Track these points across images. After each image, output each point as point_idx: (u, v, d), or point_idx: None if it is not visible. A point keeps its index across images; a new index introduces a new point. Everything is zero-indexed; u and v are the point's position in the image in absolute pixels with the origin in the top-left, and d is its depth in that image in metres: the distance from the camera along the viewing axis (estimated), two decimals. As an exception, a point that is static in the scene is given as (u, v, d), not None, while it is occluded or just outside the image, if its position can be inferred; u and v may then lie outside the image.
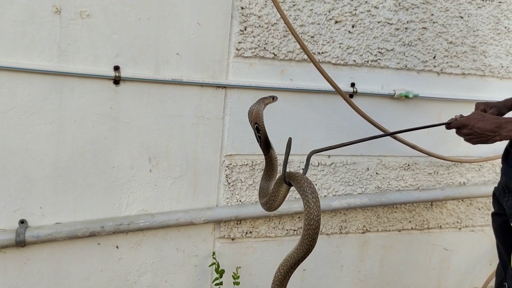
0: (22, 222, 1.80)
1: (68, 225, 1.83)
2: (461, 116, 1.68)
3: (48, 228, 1.81)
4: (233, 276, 2.08)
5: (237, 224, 2.13)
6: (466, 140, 1.65)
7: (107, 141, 1.85)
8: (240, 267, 2.14)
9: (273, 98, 1.30)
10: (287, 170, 1.28)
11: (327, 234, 2.33)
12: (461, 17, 2.26)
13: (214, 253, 2.10)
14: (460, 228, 2.62)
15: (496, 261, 2.77)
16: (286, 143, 1.19)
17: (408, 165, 2.38)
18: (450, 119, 1.71)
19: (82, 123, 1.80)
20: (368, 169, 2.31)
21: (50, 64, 1.71)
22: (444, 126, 1.71)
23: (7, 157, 1.73)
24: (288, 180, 1.15)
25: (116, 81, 1.80)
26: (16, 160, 1.75)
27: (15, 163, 1.75)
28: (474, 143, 1.64)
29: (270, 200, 1.26)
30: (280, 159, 1.30)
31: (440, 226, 2.57)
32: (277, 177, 1.30)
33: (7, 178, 1.75)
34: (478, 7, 2.28)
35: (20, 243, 1.76)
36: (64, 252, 1.89)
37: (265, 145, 1.29)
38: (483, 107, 1.74)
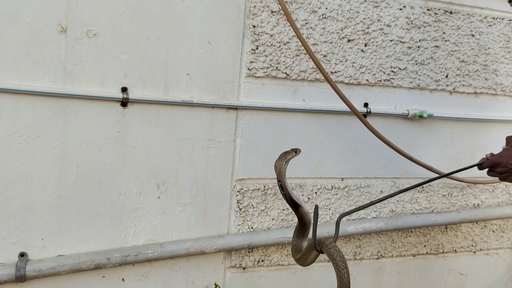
0: (22, 255, 1.67)
1: (72, 258, 1.71)
2: (492, 154, 1.61)
3: (50, 261, 1.68)
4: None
5: (248, 252, 2.02)
6: (501, 179, 1.58)
7: (114, 167, 1.75)
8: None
9: (296, 152, 1.27)
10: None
11: (341, 260, 2.22)
12: (473, 35, 2.22)
13: (216, 285, 1.96)
14: (475, 252, 2.54)
15: (511, 284, 2.70)
16: (313, 211, 1.19)
17: (423, 187, 2.30)
18: (481, 159, 1.63)
19: (87, 148, 1.70)
20: (382, 192, 2.22)
21: (55, 86, 1.62)
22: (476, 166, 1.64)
23: (7, 185, 1.62)
24: (320, 248, 1.16)
25: (124, 103, 1.71)
26: (16, 188, 1.63)
27: (16, 191, 1.63)
28: (511, 180, 1.57)
29: (303, 258, 1.26)
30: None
31: (455, 250, 2.48)
32: (308, 238, 1.31)
33: (7, 207, 1.63)
34: (489, 25, 2.24)
35: (20, 278, 1.63)
36: (67, 287, 1.76)
37: (291, 204, 1.26)
38: None
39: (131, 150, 1.76)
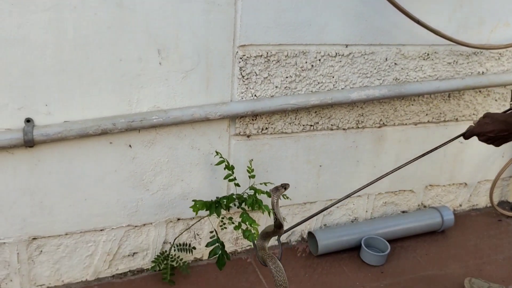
0: (28, 121, 1.68)
1: (78, 123, 1.72)
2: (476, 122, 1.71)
3: (57, 127, 1.70)
4: (247, 170, 2.01)
5: (252, 120, 2.04)
6: (490, 144, 1.68)
7: (112, 31, 1.69)
8: (252, 160, 2.07)
9: (285, 188, 1.38)
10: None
11: (344, 129, 2.25)
12: None
13: (217, 153, 1.99)
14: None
15: (508, 154, 2.76)
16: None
17: (428, 54, 2.26)
18: (467, 129, 1.76)
19: (82, 10, 1.63)
20: (386, 59, 2.19)
21: None
22: (463, 133, 1.80)
23: (5, 49, 1.57)
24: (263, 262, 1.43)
25: (117, -40, 1.61)
26: (14, 53, 1.59)
27: (14, 55, 1.59)
28: (498, 144, 1.66)
29: (262, 258, 1.45)
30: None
31: (457, 119, 2.50)
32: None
33: (7, 72, 1.61)
34: None
35: (29, 142, 1.66)
36: (76, 152, 1.80)
37: (278, 226, 1.40)
38: None
39: (128, 13, 1.69)
